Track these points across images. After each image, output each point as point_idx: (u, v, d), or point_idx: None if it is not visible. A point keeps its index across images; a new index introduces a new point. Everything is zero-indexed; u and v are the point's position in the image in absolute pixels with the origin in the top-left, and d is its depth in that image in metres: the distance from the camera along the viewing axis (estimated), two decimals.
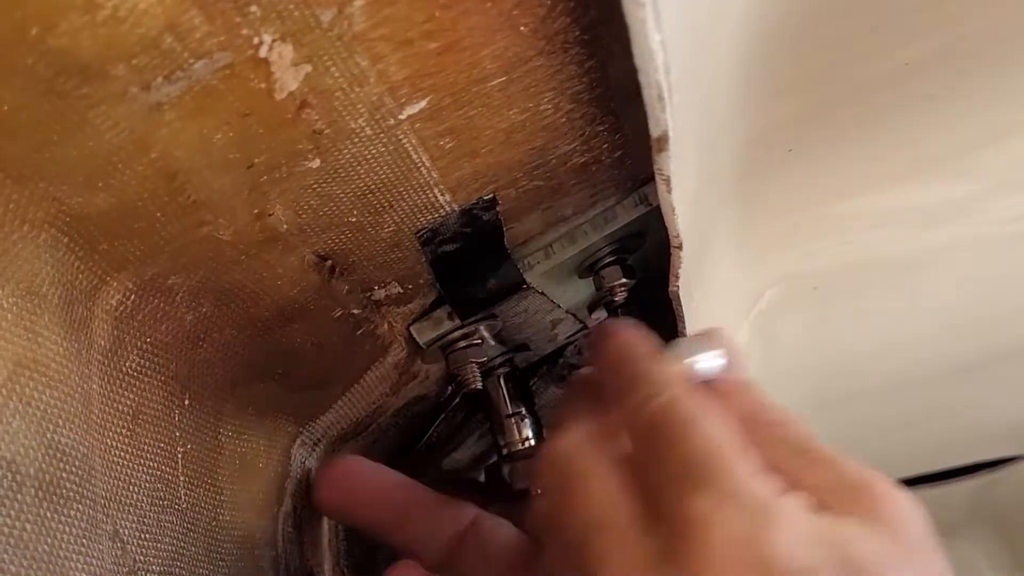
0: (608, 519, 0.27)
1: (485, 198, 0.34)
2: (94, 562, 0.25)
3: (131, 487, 0.29)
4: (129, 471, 0.29)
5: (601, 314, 0.46)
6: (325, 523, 0.44)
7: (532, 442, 0.44)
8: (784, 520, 0.25)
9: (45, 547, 0.23)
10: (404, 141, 0.28)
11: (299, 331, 0.34)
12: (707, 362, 0.32)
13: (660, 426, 0.28)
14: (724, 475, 0.26)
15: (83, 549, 0.25)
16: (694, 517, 0.25)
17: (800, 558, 0.25)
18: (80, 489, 0.25)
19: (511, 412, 0.45)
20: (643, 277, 0.40)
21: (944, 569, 0.27)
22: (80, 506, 0.25)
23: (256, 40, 0.22)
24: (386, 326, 0.38)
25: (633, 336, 0.32)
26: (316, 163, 0.27)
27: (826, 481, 0.28)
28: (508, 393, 0.45)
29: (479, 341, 0.41)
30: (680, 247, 0.35)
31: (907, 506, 0.27)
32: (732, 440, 0.27)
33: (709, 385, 0.31)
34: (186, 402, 0.32)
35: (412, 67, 0.25)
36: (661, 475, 0.27)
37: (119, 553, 0.27)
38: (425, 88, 0.27)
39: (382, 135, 0.27)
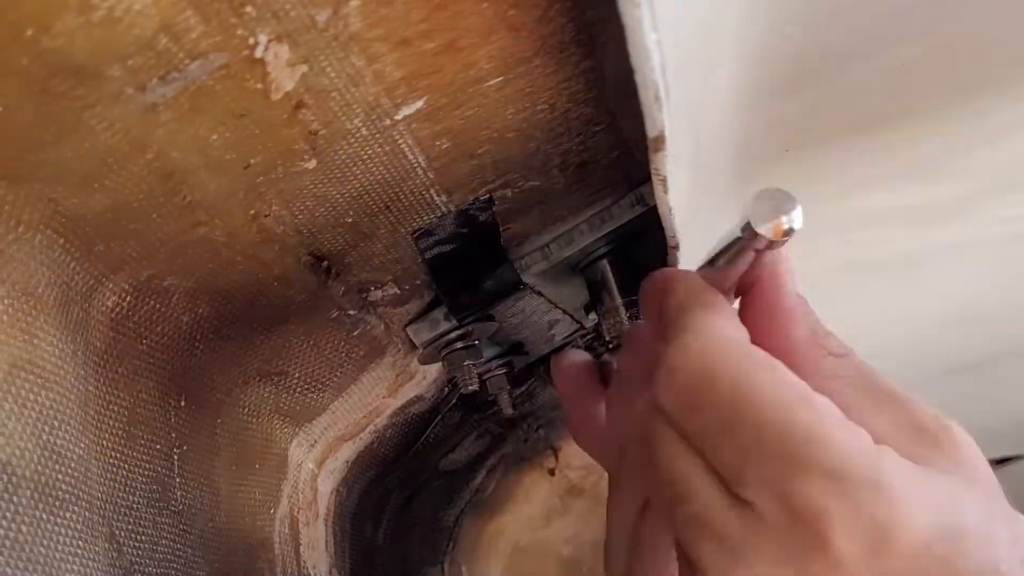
0: (697, 505, 0.25)
1: (482, 198, 0.34)
2: (90, 564, 0.25)
3: (127, 489, 0.29)
4: (125, 473, 0.29)
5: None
6: (322, 524, 0.44)
7: None
8: (901, 496, 0.23)
9: (41, 549, 0.23)
10: (400, 141, 0.28)
11: (295, 332, 0.34)
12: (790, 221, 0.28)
13: (715, 385, 0.25)
14: (822, 448, 0.24)
15: (79, 551, 0.25)
16: (810, 509, 0.23)
17: (927, 540, 0.23)
18: (76, 491, 0.25)
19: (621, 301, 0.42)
20: (640, 278, 0.40)
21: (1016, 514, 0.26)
22: (76, 508, 0.25)
23: (252, 40, 0.22)
24: (383, 327, 0.38)
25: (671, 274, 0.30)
26: (312, 164, 0.27)
27: (900, 424, 0.26)
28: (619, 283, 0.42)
29: (476, 342, 0.40)
30: (677, 247, 0.35)
31: (979, 453, 0.26)
32: (806, 393, 0.25)
33: (759, 301, 0.29)
34: (182, 403, 0.32)
35: (408, 67, 0.25)
36: (738, 444, 0.24)
37: (115, 555, 0.27)
38: (421, 88, 0.27)
39: (378, 135, 0.27)
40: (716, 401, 0.25)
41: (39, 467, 0.24)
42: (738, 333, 0.27)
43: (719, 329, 0.27)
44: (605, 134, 0.33)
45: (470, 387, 0.41)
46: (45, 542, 0.23)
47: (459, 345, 0.40)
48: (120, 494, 0.28)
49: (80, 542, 0.25)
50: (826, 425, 0.24)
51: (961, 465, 0.25)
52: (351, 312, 0.35)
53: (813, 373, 0.27)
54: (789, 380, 0.25)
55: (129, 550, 0.28)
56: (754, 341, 0.27)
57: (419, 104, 0.27)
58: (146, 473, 0.30)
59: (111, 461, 0.28)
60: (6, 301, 0.23)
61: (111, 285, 0.28)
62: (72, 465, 0.25)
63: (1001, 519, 0.25)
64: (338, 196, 0.29)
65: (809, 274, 0.59)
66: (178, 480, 0.32)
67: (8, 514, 0.22)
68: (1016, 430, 1.02)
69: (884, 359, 0.77)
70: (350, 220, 0.31)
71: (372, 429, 0.45)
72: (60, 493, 0.24)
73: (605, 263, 0.40)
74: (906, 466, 0.24)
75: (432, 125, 0.28)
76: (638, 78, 0.25)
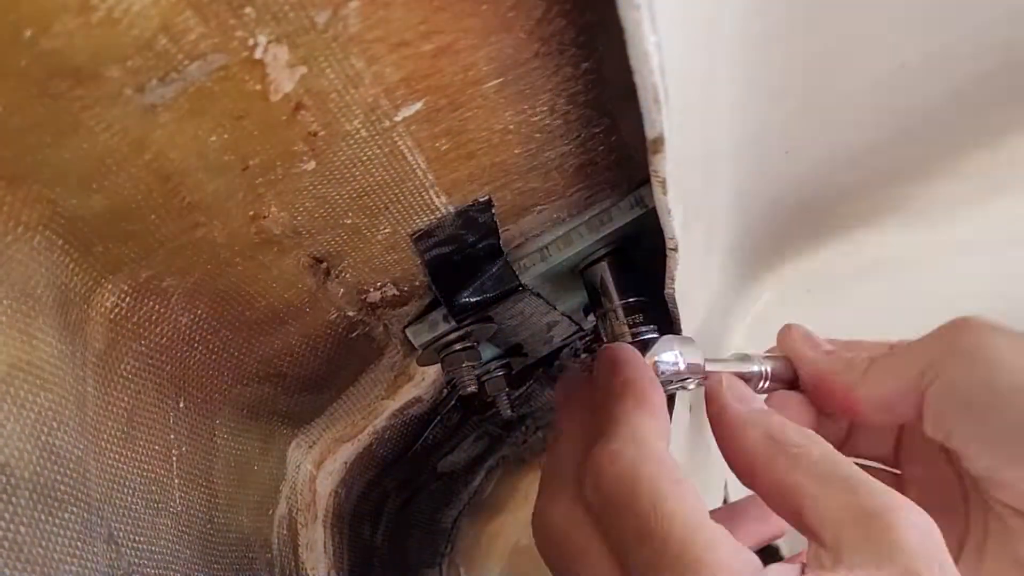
0: None
1: (481, 200, 0.34)
2: (89, 565, 0.25)
3: (126, 490, 0.29)
4: (124, 474, 0.29)
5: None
6: (320, 526, 0.44)
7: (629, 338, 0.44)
8: None
9: (40, 550, 0.23)
10: (400, 143, 0.28)
11: (294, 333, 0.34)
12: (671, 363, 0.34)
13: (637, 497, 0.28)
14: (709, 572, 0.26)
15: (78, 552, 0.25)
16: None
17: None
18: (75, 492, 0.25)
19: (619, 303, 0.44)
20: (639, 280, 0.40)
21: None
22: (75, 509, 0.25)
23: (251, 42, 0.22)
24: (382, 328, 0.38)
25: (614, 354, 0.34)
26: (311, 165, 0.27)
27: (849, 510, 0.28)
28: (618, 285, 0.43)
29: (474, 344, 0.40)
30: (676, 249, 0.35)
31: (929, 538, 0.27)
32: (705, 518, 0.27)
33: (709, 414, 0.33)
34: (181, 404, 0.32)
35: (408, 69, 0.25)
36: (646, 556, 0.27)
37: (114, 556, 0.27)
38: (421, 90, 0.27)
39: (377, 137, 0.27)
40: (636, 511, 0.28)
41: (38, 468, 0.24)
42: (662, 442, 0.30)
43: (651, 439, 0.30)
44: (604, 136, 0.33)
45: (469, 389, 0.41)
46: (43, 543, 0.23)
47: (458, 347, 0.40)
48: (119, 495, 0.28)
49: (78, 543, 0.25)
50: (718, 551, 0.26)
51: (898, 554, 0.26)
52: (350, 313, 0.35)
53: (770, 473, 0.30)
54: (694, 502, 0.28)
55: (127, 551, 0.28)
56: (721, 447, 0.32)
57: (418, 106, 0.27)
58: (145, 474, 0.30)
59: (110, 462, 0.28)
60: (5, 302, 0.23)
61: (110, 286, 0.28)
62: (71, 466, 0.25)
63: None
64: (337, 197, 0.29)
65: (809, 276, 0.60)
66: (177, 481, 0.32)
67: (7, 515, 0.22)
68: None
69: None
70: (349, 221, 0.31)
71: (371, 430, 0.45)
72: (58, 494, 0.24)
73: (604, 265, 0.41)
74: None
75: (431, 127, 0.28)
76: (637, 80, 0.25)
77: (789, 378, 0.38)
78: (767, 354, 0.39)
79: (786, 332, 0.39)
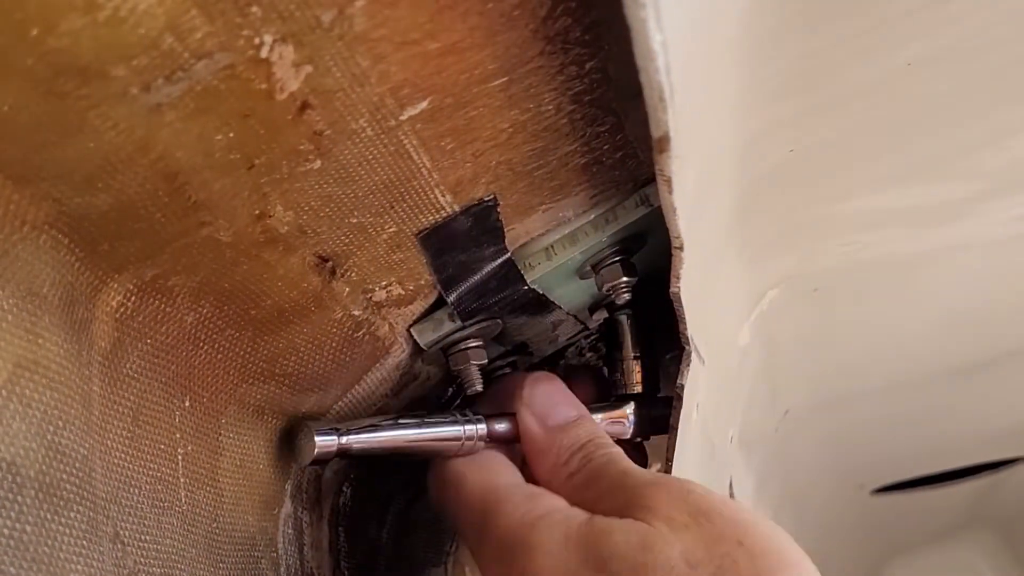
0: None
1: (486, 199, 0.34)
2: (95, 564, 0.25)
3: (131, 489, 0.29)
4: (129, 473, 0.29)
5: (602, 315, 0.46)
6: (326, 524, 0.44)
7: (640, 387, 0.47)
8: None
9: (45, 549, 0.23)
10: (405, 142, 0.28)
11: (300, 332, 0.34)
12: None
13: None
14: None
15: (83, 551, 0.25)
16: None
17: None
18: (80, 491, 0.25)
19: (634, 355, 0.47)
20: (644, 278, 0.40)
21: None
22: (80, 508, 0.25)
23: (257, 40, 0.22)
24: (387, 327, 0.38)
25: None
26: (317, 164, 0.27)
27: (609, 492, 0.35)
28: (633, 336, 0.47)
29: (480, 343, 0.40)
30: (681, 248, 0.35)
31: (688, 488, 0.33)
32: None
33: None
34: (186, 403, 0.32)
35: (413, 68, 0.25)
36: None
37: (119, 555, 0.27)
38: (426, 89, 0.27)
39: (383, 136, 0.27)
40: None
41: (43, 467, 0.24)
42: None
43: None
44: (610, 134, 0.33)
45: (475, 388, 0.41)
46: (49, 542, 0.23)
47: (463, 345, 0.40)
48: (124, 494, 0.28)
49: (84, 542, 0.25)
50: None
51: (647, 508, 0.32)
52: (355, 312, 0.35)
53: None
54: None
55: (133, 550, 0.28)
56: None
57: (424, 104, 0.27)
58: (150, 473, 0.30)
59: (115, 461, 0.28)
60: (11, 301, 0.23)
61: (115, 285, 0.28)
62: (77, 465, 0.25)
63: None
64: (343, 196, 0.29)
65: (812, 276, 0.60)
66: (183, 480, 0.32)
67: (13, 514, 0.22)
68: (1017, 432, 1.02)
69: (885, 360, 0.78)
70: (355, 220, 0.31)
71: None
72: (64, 493, 0.24)
73: (626, 317, 0.45)
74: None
75: (436, 125, 0.28)
76: (643, 79, 0.25)
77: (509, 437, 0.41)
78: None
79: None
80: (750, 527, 0.30)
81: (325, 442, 0.35)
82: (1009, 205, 0.56)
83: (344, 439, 0.36)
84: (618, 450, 0.38)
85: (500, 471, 0.39)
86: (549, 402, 0.41)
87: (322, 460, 0.36)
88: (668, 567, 0.29)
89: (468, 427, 0.39)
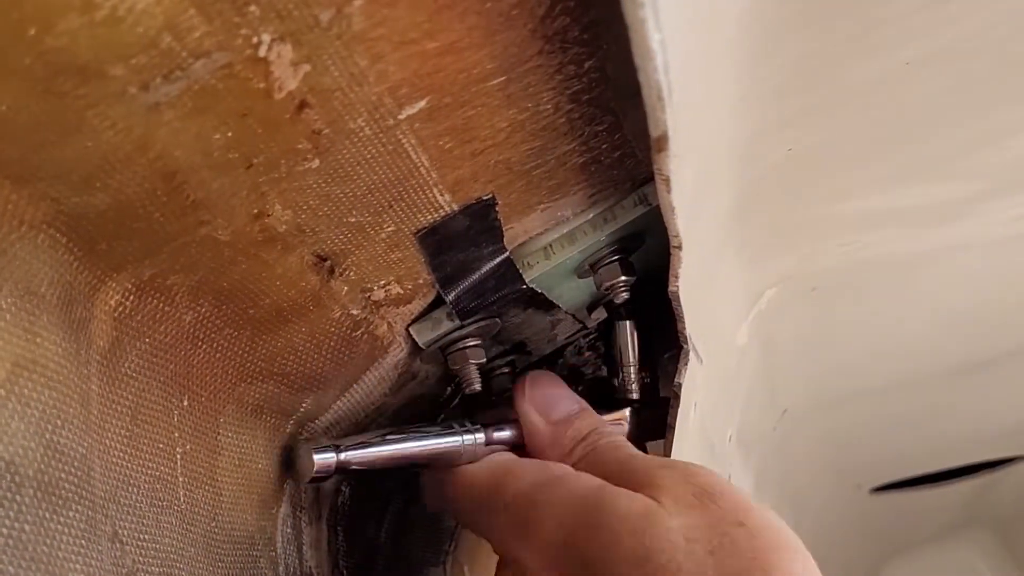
0: None
1: (484, 198, 0.34)
2: (93, 563, 0.25)
3: (130, 488, 0.29)
4: (128, 472, 0.29)
5: (601, 314, 0.46)
6: (324, 524, 0.44)
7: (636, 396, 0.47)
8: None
9: (44, 548, 0.23)
10: (403, 141, 0.28)
11: (298, 331, 0.34)
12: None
13: None
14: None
15: (82, 550, 0.25)
16: None
17: None
18: (79, 490, 0.25)
19: (633, 362, 0.47)
20: (643, 278, 0.40)
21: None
22: (79, 507, 0.25)
23: (255, 40, 0.22)
24: (385, 326, 0.38)
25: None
26: (315, 163, 0.27)
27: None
28: (635, 343, 0.47)
29: (478, 342, 0.40)
30: (680, 247, 0.35)
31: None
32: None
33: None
34: (185, 403, 0.32)
35: (411, 67, 0.25)
36: None
37: (118, 554, 0.27)
38: (424, 88, 0.27)
39: (381, 135, 0.27)
40: None
41: (42, 466, 0.24)
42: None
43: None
44: (608, 134, 0.33)
45: (474, 387, 0.41)
46: (48, 541, 0.23)
47: (462, 345, 0.40)
48: (123, 493, 0.28)
49: (83, 541, 0.25)
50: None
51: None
52: (354, 311, 0.35)
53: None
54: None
55: (132, 549, 0.28)
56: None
57: (422, 104, 0.27)
58: (149, 472, 0.30)
59: (114, 460, 0.28)
60: (9, 300, 0.23)
61: (114, 284, 0.28)
62: (75, 464, 0.25)
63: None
64: (341, 195, 0.29)
65: (811, 275, 0.60)
66: (181, 479, 0.32)
67: (11, 513, 0.22)
68: (1016, 431, 1.02)
69: (884, 360, 0.78)
70: (353, 219, 0.31)
71: (375, 428, 0.45)
72: (63, 492, 0.24)
73: (628, 324, 0.45)
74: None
75: (435, 125, 0.28)
76: (641, 78, 0.25)
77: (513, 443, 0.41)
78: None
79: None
80: (753, 510, 0.31)
81: (324, 459, 0.36)
82: (1009, 205, 0.56)
83: (343, 455, 0.36)
84: (622, 437, 0.39)
85: (505, 455, 0.40)
86: (551, 397, 0.41)
87: (321, 478, 0.37)
88: (666, 537, 0.30)
89: (467, 437, 0.39)
